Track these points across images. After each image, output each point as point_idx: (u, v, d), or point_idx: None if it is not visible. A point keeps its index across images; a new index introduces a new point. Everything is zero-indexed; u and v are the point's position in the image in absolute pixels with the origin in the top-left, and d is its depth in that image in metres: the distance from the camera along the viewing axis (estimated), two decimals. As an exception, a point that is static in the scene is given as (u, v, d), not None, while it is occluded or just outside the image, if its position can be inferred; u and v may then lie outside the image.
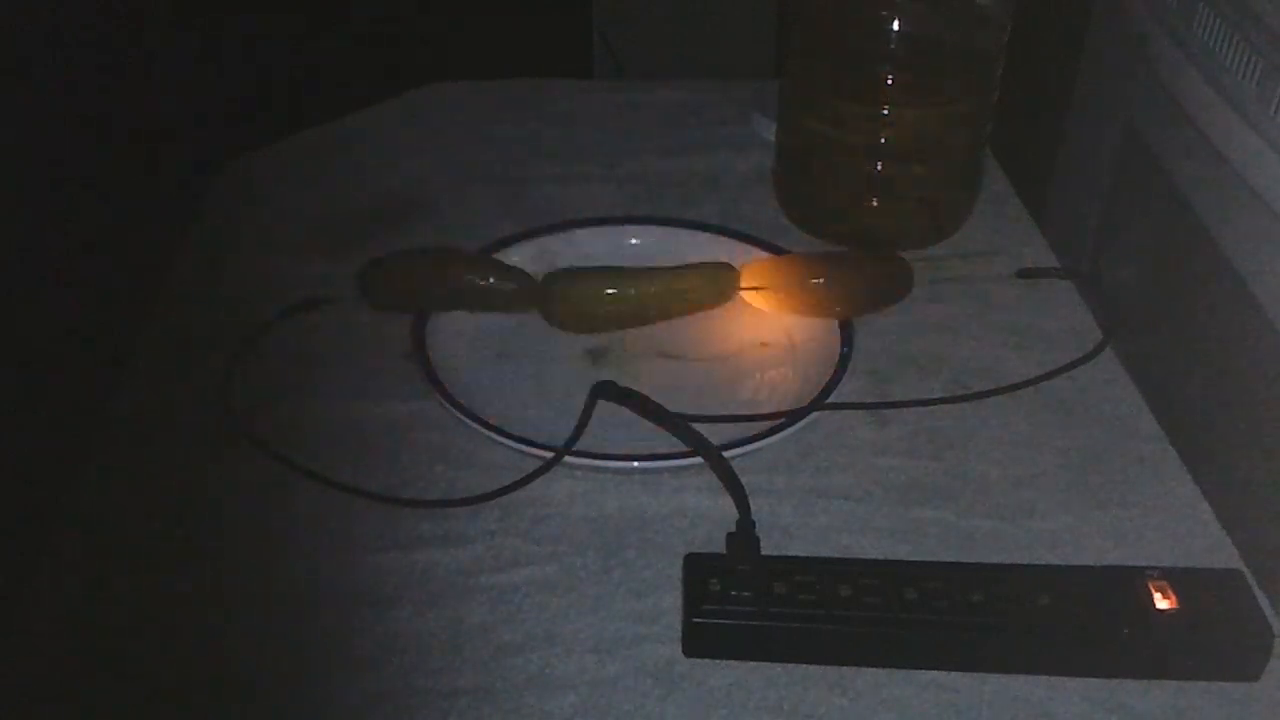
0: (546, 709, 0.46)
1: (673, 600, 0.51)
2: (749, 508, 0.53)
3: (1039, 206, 0.82)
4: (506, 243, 0.70)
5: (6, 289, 0.63)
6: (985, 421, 0.61)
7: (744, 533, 0.53)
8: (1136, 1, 0.77)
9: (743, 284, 0.66)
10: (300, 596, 0.51)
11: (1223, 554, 0.53)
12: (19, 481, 0.59)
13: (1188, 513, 0.56)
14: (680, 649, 0.49)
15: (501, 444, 0.57)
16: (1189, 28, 0.70)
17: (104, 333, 0.68)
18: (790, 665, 0.48)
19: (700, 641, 0.49)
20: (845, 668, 0.48)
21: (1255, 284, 0.62)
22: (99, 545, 0.53)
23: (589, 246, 0.70)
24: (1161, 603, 0.48)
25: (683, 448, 0.56)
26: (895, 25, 0.69)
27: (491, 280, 0.64)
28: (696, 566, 0.50)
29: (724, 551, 0.52)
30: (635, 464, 0.56)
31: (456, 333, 0.64)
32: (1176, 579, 0.49)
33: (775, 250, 0.70)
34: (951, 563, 0.52)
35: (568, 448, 0.56)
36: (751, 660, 0.48)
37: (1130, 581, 0.49)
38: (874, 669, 0.48)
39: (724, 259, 0.67)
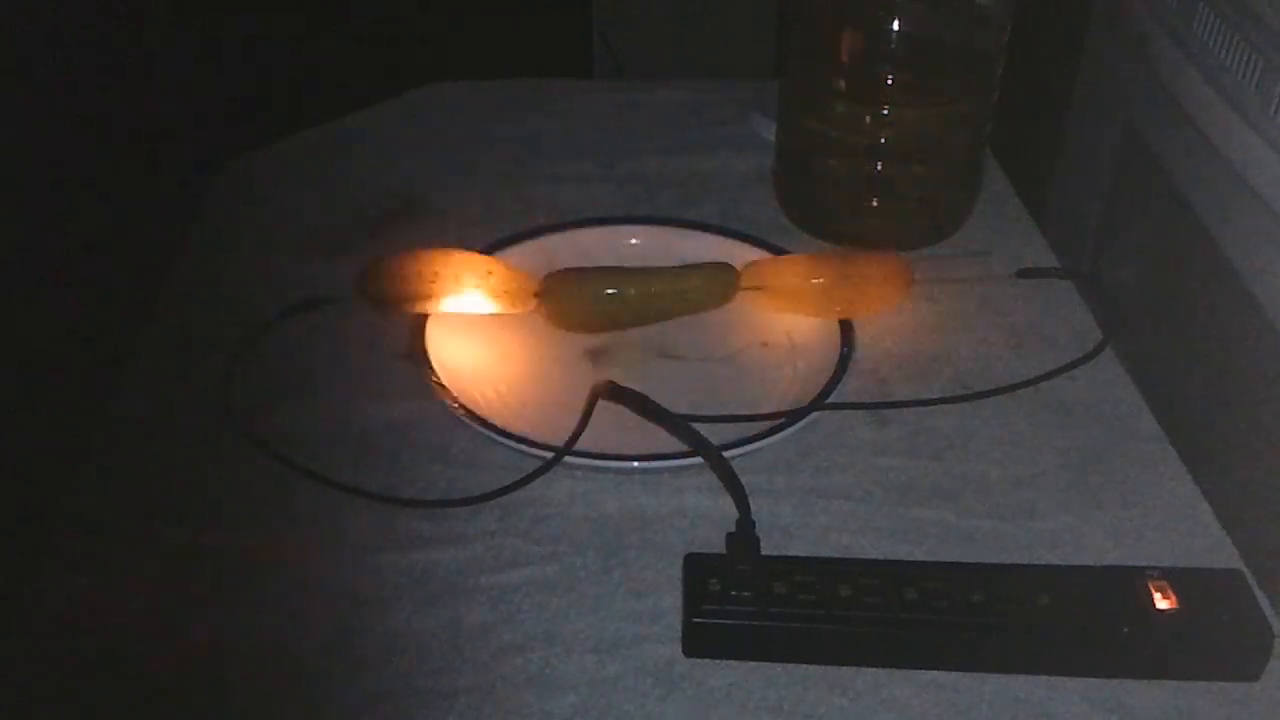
0: (546, 709, 0.46)
1: (673, 600, 0.51)
2: (749, 508, 0.53)
3: (1039, 206, 0.82)
4: (506, 243, 0.70)
5: (6, 289, 0.63)
6: (985, 421, 0.61)
7: (744, 533, 0.53)
8: (1136, 1, 0.77)
9: (743, 284, 0.66)
10: (300, 596, 0.51)
11: (1223, 554, 0.53)
12: (19, 481, 0.59)
13: (1188, 513, 0.56)
14: (680, 649, 0.49)
15: (501, 444, 0.57)
16: (1189, 28, 0.70)
17: (104, 333, 0.68)
18: (790, 665, 0.48)
19: (700, 641, 0.49)
20: (845, 668, 0.48)
21: (1255, 284, 0.62)
22: (99, 545, 0.53)
23: (589, 246, 0.70)
24: (1161, 603, 0.48)
25: (683, 448, 0.56)
26: (895, 25, 0.69)
27: (491, 280, 0.64)
28: (696, 566, 0.50)
29: (724, 551, 0.52)
30: (635, 464, 0.56)
31: (456, 333, 0.64)
32: (1176, 579, 0.49)
33: (775, 250, 0.70)
34: (951, 563, 0.52)
35: (568, 448, 0.56)
36: (751, 660, 0.48)
37: (1130, 581, 0.49)
38: (874, 669, 0.48)
39: (724, 259, 0.67)
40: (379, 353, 0.63)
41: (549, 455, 0.56)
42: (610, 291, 0.64)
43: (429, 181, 0.79)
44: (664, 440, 0.57)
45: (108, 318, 0.69)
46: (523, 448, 0.57)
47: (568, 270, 0.65)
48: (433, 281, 0.63)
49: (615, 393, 0.59)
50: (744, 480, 0.54)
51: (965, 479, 0.57)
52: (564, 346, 0.65)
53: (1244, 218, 0.63)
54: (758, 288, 0.66)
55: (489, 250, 0.68)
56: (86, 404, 0.62)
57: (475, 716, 0.46)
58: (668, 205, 0.77)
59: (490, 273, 0.64)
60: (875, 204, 0.72)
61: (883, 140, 0.70)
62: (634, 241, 0.72)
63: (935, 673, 0.48)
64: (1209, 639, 0.48)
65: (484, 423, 0.58)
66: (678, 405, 0.58)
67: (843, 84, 0.71)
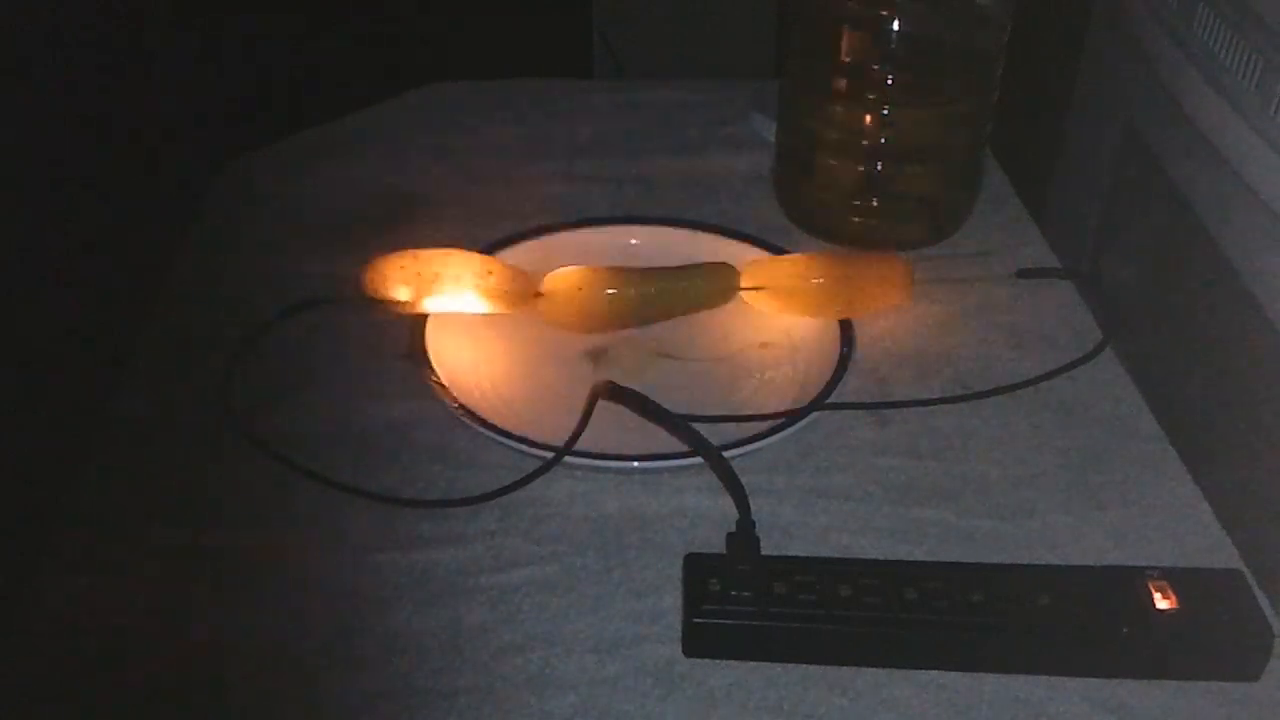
0: (546, 709, 0.46)
1: (673, 600, 0.51)
2: (749, 508, 0.53)
3: (1039, 206, 0.82)
4: (506, 243, 0.70)
5: (6, 289, 0.63)
6: (985, 421, 0.61)
7: (744, 533, 0.53)
8: (1136, 1, 0.77)
9: (743, 284, 0.66)
10: (300, 596, 0.51)
11: (1223, 554, 0.53)
12: (19, 481, 0.59)
13: (1188, 513, 0.56)
14: (680, 649, 0.49)
15: (501, 444, 0.57)
16: (1189, 28, 0.70)
17: (104, 333, 0.68)
18: (790, 665, 0.48)
19: (700, 641, 0.49)
20: (845, 668, 0.48)
21: (1255, 284, 0.62)
22: (99, 545, 0.53)
23: (589, 246, 0.70)
24: (1161, 603, 0.48)
25: (683, 448, 0.56)
26: (895, 25, 0.69)
27: (491, 280, 0.64)
28: (696, 566, 0.50)
29: (724, 551, 0.52)
30: (635, 464, 0.56)
31: (456, 333, 0.64)
32: (1176, 579, 0.49)
33: (775, 250, 0.70)
34: (951, 563, 0.52)
35: (568, 448, 0.56)
36: (751, 660, 0.48)
37: (1130, 581, 0.49)
38: (874, 669, 0.48)
39: (724, 259, 0.67)
40: (379, 353, 0.63)
41: (549, 455, 0.56)
42: (610, 291, 0.64)
43: (429, 181, 0.79)
44: (664, 440, 0.57)
45: (108, 318, 0.69)
46: (523, 448, 0.57)
47: (568, 270, 0.65)
48: (433, 281, 0.63)
49: (615, 393, 0.59)
50: (744, 480, 0.54)
51: (965, 479, 0.57)
52: (564, 346, 0.65)
53: (1244, 218, 0.63)
54: (758, 288, 0.66)
55: (489, 250, 0.68)
56: (86, 404, 0.62)
57: (475, 716, 0.46)
58: (668, 205, 0.77)
59: (490, 273, 0.64)
60: (875, 204, 0.72)
61: (883, 140, 0.70)
62: (634, 241, 0.72)
63: (935, 673, 0.48)
64: (1209, 639, 0.48)
65: (484, 423, 0.58)
66: (678, 405, 0.58)
67: (843, 84, 0.71)
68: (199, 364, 0.63)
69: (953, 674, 0.48)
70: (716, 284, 0.66)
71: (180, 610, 0.50)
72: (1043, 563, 0.53)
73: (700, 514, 0.55)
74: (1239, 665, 0.48)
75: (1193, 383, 0.69)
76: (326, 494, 0.55)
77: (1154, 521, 0.55)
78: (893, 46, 0.70)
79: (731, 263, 0.66)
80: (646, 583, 0.52)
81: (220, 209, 0.77)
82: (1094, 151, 0.87)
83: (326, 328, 0.66)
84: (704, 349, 0.65)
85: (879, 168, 0.71)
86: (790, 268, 0.66)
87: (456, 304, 0.64)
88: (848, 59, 0.72)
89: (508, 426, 0.57)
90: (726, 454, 0.55)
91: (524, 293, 0.65)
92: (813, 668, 0.48)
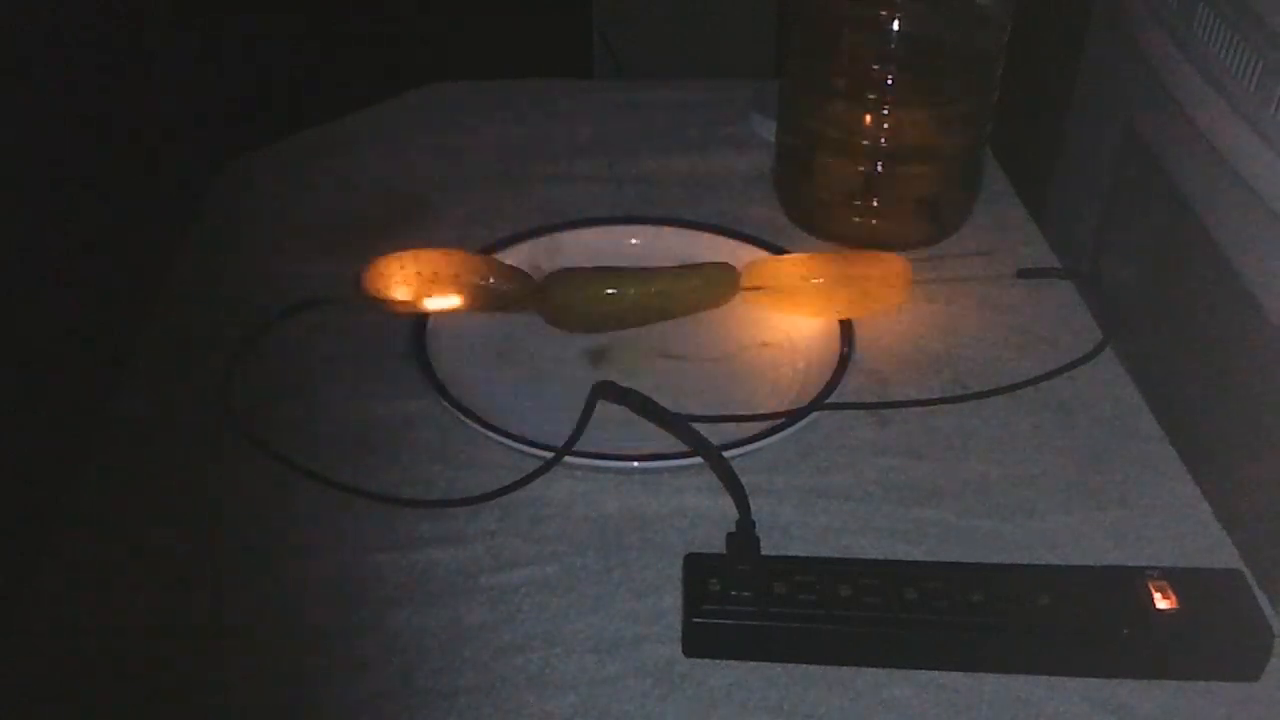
0: (546, 709, 0.46)
1: (673, 600, 0.51)
2: (749, 508, 0.53)
3: (1039, 206, 0.82)
4: (506, 243, 0.70)
5: (6, 289, 0.63)
6: (985, 421, 0.61)
7: (744, 533, 0.53)
8: (1136, 1, 0.77)
9: (743, 284, 0.66)
10: (300, 596, 0.51)
11: (1223, 554, 0.53)
12: (19, 481, 0.59)
13: (1188, 513, 0.56)
14: (680, 649, 0.49)
15: (501, 444, 0.57)
16: (1189, 28, 0.70)
17: (104, 333, 0.68)
18: (790, 665, 0.48)
19: (700, 641, 0.49)
20: (845, 668, 0.48)
21: (1255, 284, 0.62)
22: (99, 545, 0.53)
23: (589, 246, 0.70)
24: (1161, 603, 0.48)
25: (683, 448, 0.56)
26: (895, 25, 0.69)
27: (491, 280, 0.64)
28: (696, 566, 0.50)
29: (724, 551, 0.52)
30: (635, 464, 0.56)
31: (456, 333, 0.64)
32: (1176, 579, 0.49)
33: (775, 250, 0.70)
34: (951, 563, 0.52)
35: (568, 448, 0.56)
36: (751, 660, 0.48)
37: (1130, 581, 0.49)
38: (874, 669, 0.48)
39: (724, 259, 0.67)
40: (379, 353, 0.63)
41: (549, 455, 0.56)
42: (610, 291, 0.64)
43: (429, 181, 0.79)
44: (664, 440, 0.57)
45: (108, 318, 0.69)
46: (523, 448, 0.57)
47: (568, 270, 0.65)
48: (433, 281, 0.63)
49: (615, 393, 0.59)
50: (744, 480, 0.54)
51: (965, 479, 0.57)
52: (564, 346, 0.65)
53: (1244, 218, 0.63)
54: (758, 288, 0.66)
55: (489, 250, 0.68)
56: (86, 404, 0.62)
57: (475, 716, 0.46)
58: (668, 205, 0.77)
59: (490, 273, 0.64)
60: (875, 204, 0.72)
61: (883, 140, 0.70)
62: (634, 241, 0.72)
63: (935, 673, 0.48)
64: (1209, 639, 0.48)
65: (484, 423, 0.58)
66: (678, 405, 0.58)
67: (843, 84, 0.71)
68: (199, 364, 0.63)
69: (953, 674, 0.48)
70: (716, 284, 0.66)
71: (180, 610, 0.50)
72: (1043, 563, 0.53)
73: (700, 514, 0.55)
74: (1239, 665, 0.48)
75: (1193, 383, 0.69)
76: (326, 494, 0.55)
77: (1154, 521, 0.55)
78: (893, 46, 0.70)
79: (731, 263, 0.66)
80: (646, 583, 0.52)
81: (220, 209, 0.77)
82: (1094, 151, 0.87)
83: (326, 328, 0.66)
84: (704, 349, 0.65)
85: (879, 168, 0.71)
86: (790, 268, 0.66)
87: (456, 304, 0.64)
88: (848, 59, 0.72)
89: (508, 426, 0.57)
90: (726, 454, 0.55)
91: (524, 293, 0.65)
92: (813, 668, 0.48)
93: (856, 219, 0.73)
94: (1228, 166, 0.64)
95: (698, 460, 0.56)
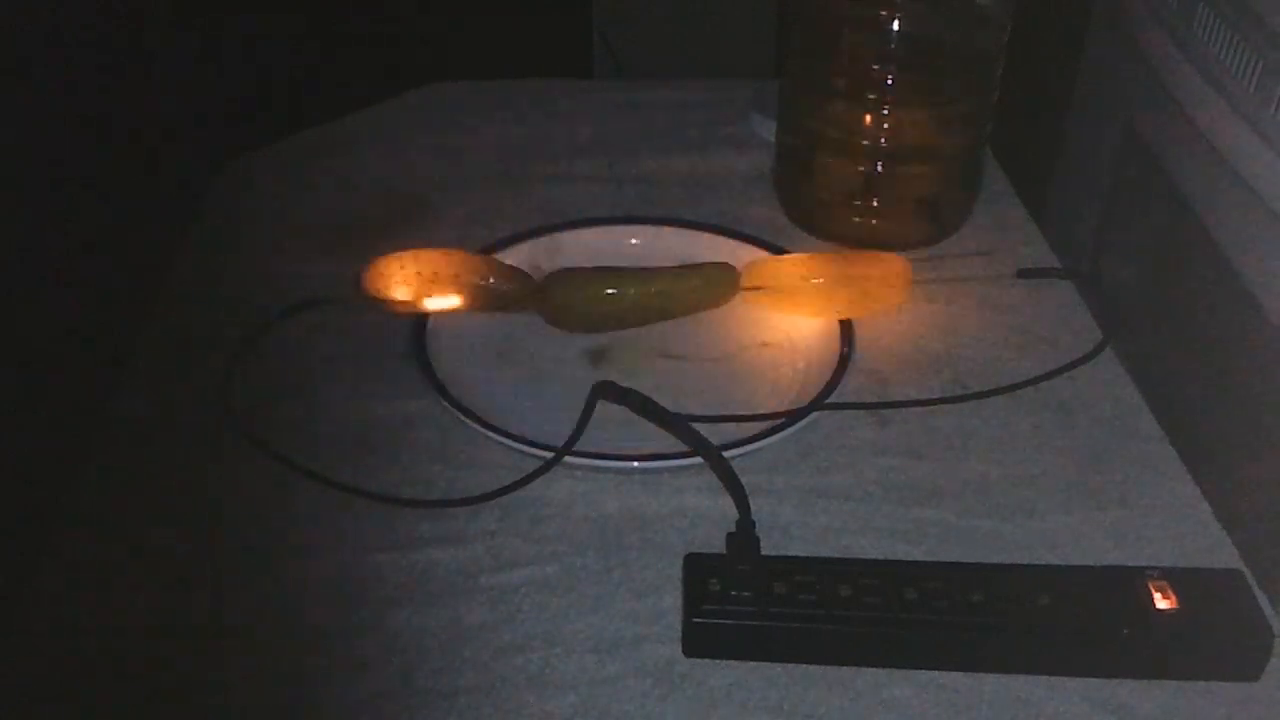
0: (546, 709, 0.46)
1: (673, 600, 0.51)
2: (749, 508, 0.53)
3: (1039, 206, 0.82)
4: (506, 243, 0.70)
5: (6, 289, 0.63)
6: (985, 421, 0.61)
7: (744, 533, 0.53)
8: (1136, 1, 0.77)
9: (743, 284, 0.66)
10: (300, 596, 0.51)
11: (1223, 554, 0.53)
12: (19, 481, 0.59)
13: (1188, 513, 0.56)
14: (680, 649, 0.49)
15: (501, 444, 0.57)
16: (1189, 28, 0.70)
17: (104, 333, 0.68)
18: (790, 665, 0.48)
19: (700, 641, 0.49)
20: (845, 668, 0.48)
21: (1255, 284, 0.62)
22: (99, 545, 0.53)
23: (589, 246, 0.70)
24: (1161, 603, 0.48)
25: (683, 448, 0.56)
26: (895, 25, 0.69)
27: (491, 280, 0.64)
28: (696, 566, 0.50)
29: (724, 551, 0.52)
30: (635, 464, 0.56)
31: (456, 333, 0.64)
32: (1176, 579, 0.49)
33: (775, 250, 0.70)
34: (951, 563, 0.52)
35: (568, 448, 0.56)
36: (751, 660, 0.48)
37: (1130, 581, 0.49)
38: (874, 669, 0.48)
39: (724, 259, 0.67)
40: (379, 353, 0.63)
41: (549, 455, 0.56)
42: (610, 291, 0.64)
43: (429, 181, 0.79)
44: (664, 440, 0.57)
45: (108, 318, 0.69)
46: (523, 448, 0.57)
47: (568, 270, 0.65)
48: (433, 281, 0.63)
49: (615, 393, 0.59)
50: (744, 480, 0.54)
51: (965, 479, 0.57)
52: (564, 346, 0.65)
53: (1244, 218, 0.63)
54: (758, 288, 0.66)
55: (489, 250, 0.68)
56: (86, 404, 0.62)
57: (475, 716, 0.46)
58: (668, 205, 0.77)
59: (490, 273, 0.64)
60: (875, 204, 0.72)
61: (883, 140, 0.70)
62: (634, 241, 0.72)
63: (935, 673, 0.48)
64: (1209, 639, 0.48)
65: (484, 423, 0.58)
66: (678, 405, 0.58)
67: (843, 84, 0.71)
68: (199, 364, 0.63)
69: (953, 674, 0.48)
70: (716, 284, 0.66)
71: (180, 610, 0.50)
72: (1043, 563, 0.53)
73: (700, 514, 0.55)
74: (1239, 665, 0.48)
75: (1193, 383, 0.69)
76: (326, 494, 0.55)
77: (1154, 521, 0.55)
78: (893, 46, 0.70)
79: (731, 263, 0.66)
80: (646, 583, 0.52)
81: (220, 209, 0.77)
82: (1094, 151, 0.87)
83: (326, 328, 0.66)
84: (704, 349, 0.65)
85: (879, 168, 0.71)
86: (790, 268, 0.66)
87: (456, 304, 0.64)
88: (848, 59, 0.72)
89: (508, 426, 0.57)
90: (726, 454, 0.55)
91: (524, 293, 0.65)
92: (813, 668, 0.48)
93: (856, 219, 0.73)
94: (1228, 166, 0.64)
95: (698, 460, 0.56)
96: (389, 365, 0.63)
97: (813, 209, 0.75)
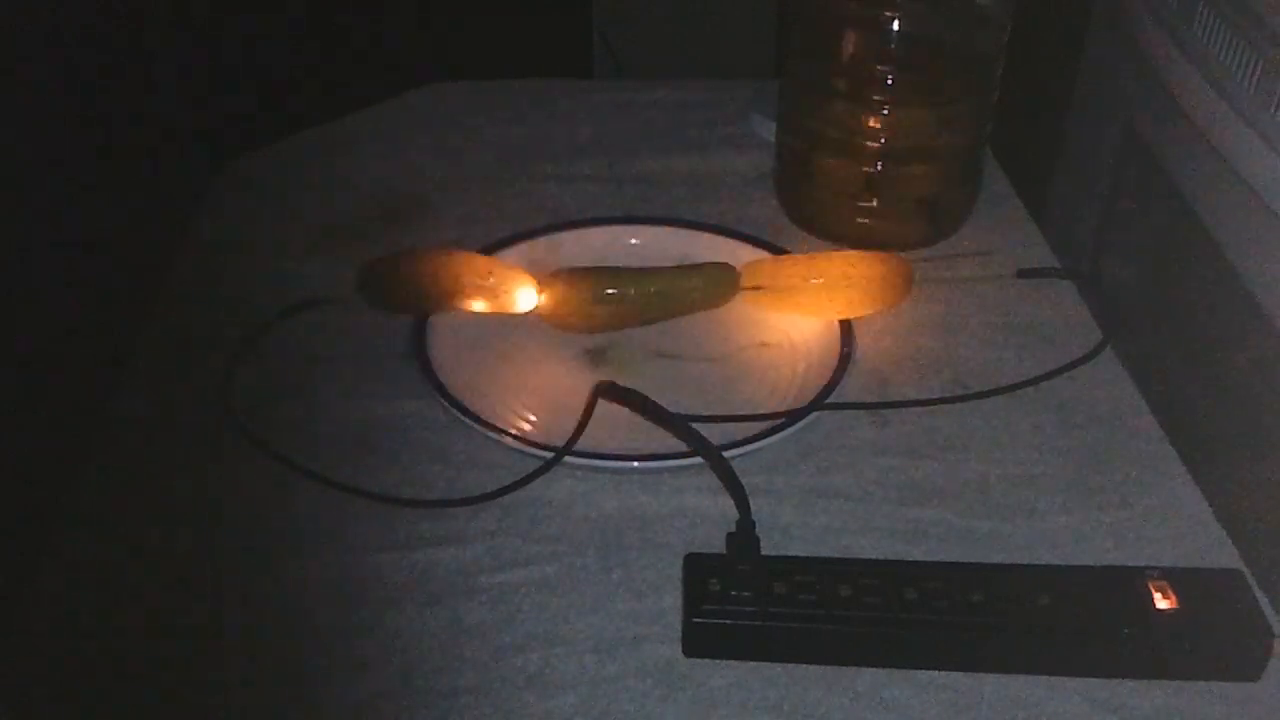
0: (546, 709, 0.46)
1: (673, 600, 0.51)
2: (749, 508, 0.53)
3: (1039, 206, 0.82)
4: (506, 243, 0.70)
5: (6, 289, 0.63)
6: (985, 421, 0.61)
7: (744, 533, 0.53)
8: (1136, 1, 0.77)
9: (743, 284, 0.66)
10: (300, 596, 0.51)
11: (1223, 554, 0.53)
12: (19, 481, 0.59)
13: (1188, 513, 0.56)
14: (680, 649, 0.49)
15: (501, 444, 0.57)
16: (1189, 28, 0.70)
17: (104, 333, 0.68)
18: (790, 665, 0.48)
19: (700, 641, 0.49)
20: (845, 668, 0.48)
21: (1255, 284, 0.62)
22: (99, 545, 0.53)
23: (589, 246, 0.70)
24: (1161, 603, 0.48)
25: (683, 448, 0.56)
26: (895, 25, 0.69)
27: (491, 280, 0.64)
28: (696, 566, 0.50)
29: (724, 551, 0.52)
30: (635, 464, 0.56)
31: (456, 333, 0.64)
32: (1176, 579, 0.49)
33: (775, 250, 0.70)
34: (951, 563, 0.52)
35: (568, 448, 0.56)
36: (751, 660, 0.48)
37: (1130, 581, 0.49)
38: (874, 669, 0.48)
39: (724, 259, 0.67)
40: (379, 353, 0.63)
41: (549, 455, 0.56)
42: (610, 291, 0.64)
43: (429, 181, 0.79)
44: (664, 440, 0.57)
45: (108, 318, 0.69)
46: (523, 448, 0.57)
47: (568, 270, 0.65)
48: (433, 281, 0.63)
49: (615, 393, 0.59)
50: (744, 480, 0.54)
51: (965, 479, 0.57)
52: (564, 346, 0.65)
53: (1244, 218, 0.63)
54: (758, 288, 0.66)
55: (489, 250, 0.68)
56: (86, 404, 0.62)
57: (475, 716, 0.46)
58: (668, 205, 0.77)
59: (490, 273, 0.64)
60: (875, 204, 0.72)
61: (883, 140, 0.70)
62: (634, 241, 0.72)
63: (935, 673, 0.48)
64: (1209, 639, 0.48)
65: (484, 423, 0.58)
66: (678, 405, 0.58)
67: (843, 84, 0.71)
68: (199, 364, 0.63)
69: (953, 674, 0.48)
70: (716, 284, 0.66)
71: (180, 610, 0.50)
72: (1043, 563, 0.53)
73: (700, 514, 0.55)
74: (1239, 665, 0.48)
75: (1193, 383, 0.69)
76: (326, 494, 0.55)
77: (1154, 521, 0.55)
78: (893, 46, 0.70)
79: (731, 263, 0.66)
80: (646, 583, 0.52)
81: (220, 209, 0.77)
82: (1094, 151, 0.87)
83: (326, 328, 0.66)
84: (704, 349, 0.65)
85: (879, 168, 0.71)
86: (790, 268, 0.66)
87: (456, 304, 0.64)
88: (848, 59, 0.72)
89: (508, 426, 0.57)
90: (726, 454, 0.55)
91: (524, 293, 0.65)
92: (813, 668, 0.48)
93: (856, 219, 0.73)
94: (1228, 166, 0.64)
95: (698, 460, 0.56)
96: (389, 365, 0.63)
97: (813, 209, 0.75)
